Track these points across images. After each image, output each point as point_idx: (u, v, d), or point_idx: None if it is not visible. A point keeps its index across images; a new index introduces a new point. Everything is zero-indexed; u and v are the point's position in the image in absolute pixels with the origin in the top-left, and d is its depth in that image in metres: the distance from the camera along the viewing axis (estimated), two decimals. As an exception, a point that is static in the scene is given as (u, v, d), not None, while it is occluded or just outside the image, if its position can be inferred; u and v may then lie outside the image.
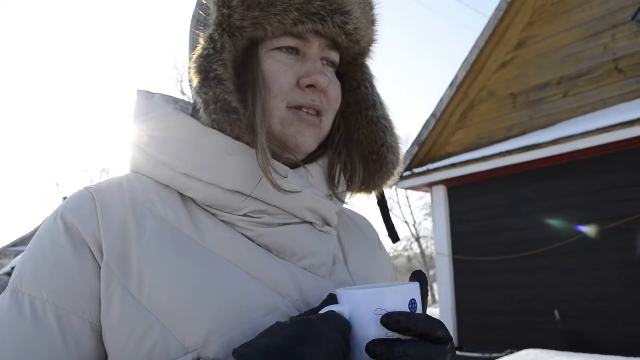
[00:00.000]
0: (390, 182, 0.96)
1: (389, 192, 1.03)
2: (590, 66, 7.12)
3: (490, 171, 7.71)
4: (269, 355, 0.59)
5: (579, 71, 7.24)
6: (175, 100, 0.89)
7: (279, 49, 0.79)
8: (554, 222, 7.02)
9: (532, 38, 7.85)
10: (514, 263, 7.39)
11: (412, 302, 0.69)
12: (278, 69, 0.79)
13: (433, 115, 8.49)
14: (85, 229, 0.71)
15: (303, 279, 0.78)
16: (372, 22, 0.88)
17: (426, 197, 9.12)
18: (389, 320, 0.64)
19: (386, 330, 0.66)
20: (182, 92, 32.96)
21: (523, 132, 7.71)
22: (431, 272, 27.40)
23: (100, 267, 0.70)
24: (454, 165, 8.02)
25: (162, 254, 0.71)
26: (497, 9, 7.79)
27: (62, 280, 0.69)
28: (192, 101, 0.87)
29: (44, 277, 0.69)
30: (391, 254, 38.44)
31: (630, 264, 6.28)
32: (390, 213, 1.01)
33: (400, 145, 0.95)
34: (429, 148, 8.72)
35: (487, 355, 6.66)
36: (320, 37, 0.80)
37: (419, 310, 0.69)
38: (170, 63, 49.29)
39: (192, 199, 0.79)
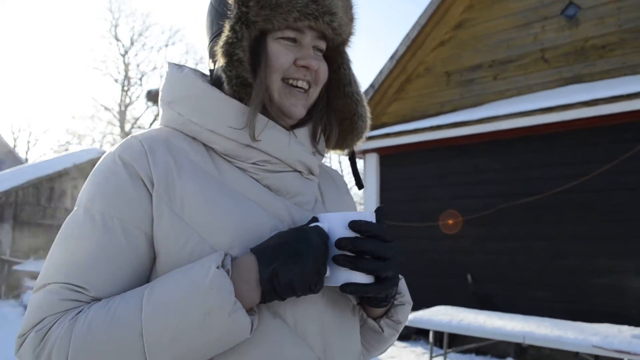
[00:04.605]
0: (359, 142, 1.24)
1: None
2: (520, 53, 7.63)
3: (421, 143, 8.15)
4: (276, 248, 0.88)
5: (509, 57, 7.74)
6: (203, 75, 1.13)
7: (282, 38, 1.04)
8: (474, 195, 7.61)
9: (470, 21, 8.24)
10: (436, 230, 7.96)
11: None
12: (281, 51, 1.04)
13: (372, 86, 8.78)
14: (140, 166, 0.95)
15: (295, 210, 1.05)
16: (351, 19, 1.14)
17: (359, 164, 9.42)
18: (354, 224, 0.93)
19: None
20: (117, 38, 31.66)
21: (454, 109, 8.17)
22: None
23: (151, 195, 0.94)
24: (387, 135, 8.40)
25: (197, 185, 0.96)
26: (441, -12, 8.08)
27: (124, 202, 0.93)
28: (207, 72, 1.13)
29: (111, 199, 0.93)
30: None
31: (536, 237, 6.98)
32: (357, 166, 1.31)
33: (368, 115, 1.23)
34: (366, 117, 9.01)
35: (404, 312, 7.18)
36: (313, 30, 1.06)
37: None
38: (105, 6, 46.91)
39: (213, 149, 1.04)
